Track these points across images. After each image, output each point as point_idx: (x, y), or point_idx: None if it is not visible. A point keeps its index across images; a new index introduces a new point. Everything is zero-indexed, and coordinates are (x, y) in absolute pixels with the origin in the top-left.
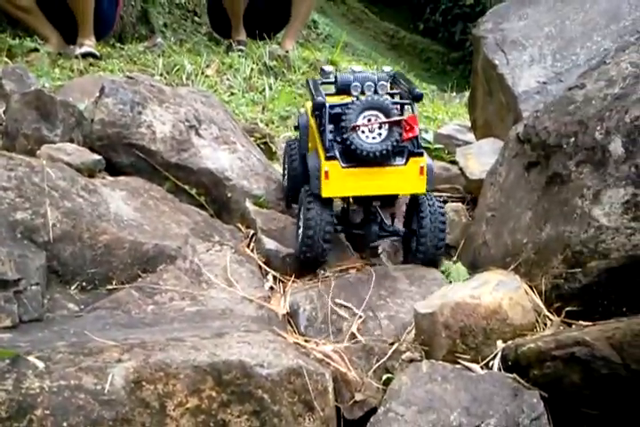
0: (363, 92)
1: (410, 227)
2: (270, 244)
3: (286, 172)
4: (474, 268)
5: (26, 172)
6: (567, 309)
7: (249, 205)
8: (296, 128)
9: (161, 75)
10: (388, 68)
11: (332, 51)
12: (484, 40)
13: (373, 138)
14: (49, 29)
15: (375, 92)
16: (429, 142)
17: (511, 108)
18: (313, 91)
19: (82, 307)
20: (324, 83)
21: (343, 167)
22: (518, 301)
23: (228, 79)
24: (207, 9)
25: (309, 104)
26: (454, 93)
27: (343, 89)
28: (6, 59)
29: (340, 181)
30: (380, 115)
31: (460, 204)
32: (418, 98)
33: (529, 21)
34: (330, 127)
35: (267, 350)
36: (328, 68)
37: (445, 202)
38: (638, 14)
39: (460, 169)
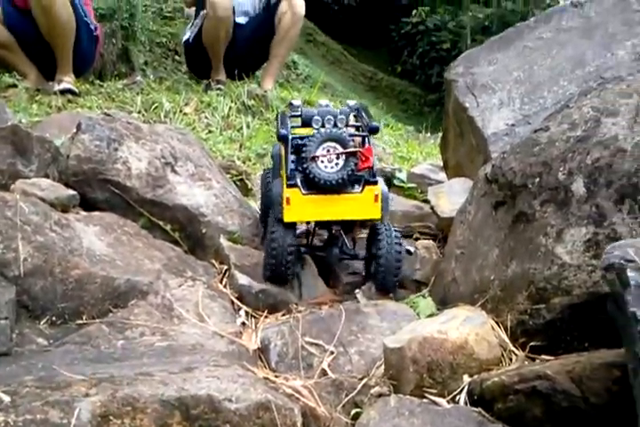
0: (323, 125)
1: (370, 252)
2: (243, 279)
3: (261, 199)
4: (444, 304)
5: None
6: (532, 344)
7: (223, 241)
8: (272, 158)
9: (139, 112)
10: (352, 103)
11: (311, 91)
12: (456, 84)
13: (331, 167)
14: (27, 65)
15: (335, 125)
16: (403, 181)
17: (481, 150)
18: (279, 123)
19: (51, 342)
20: (292, 116)
21: (304, 194)
22: (484, 336)
23: (206, 117)
24: (184, 50)
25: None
26: (429, 134)
27: (307, 122)
28: None
29: (300, 207)
30: (338, 146)
31: (431, 241)
32: (373, 131)
33: (498, 66)
34: (292, 157)
35: (235, 384)
36: (296, 102)
37: (417, 239)
38: (602, 61)
39: (432, 207)
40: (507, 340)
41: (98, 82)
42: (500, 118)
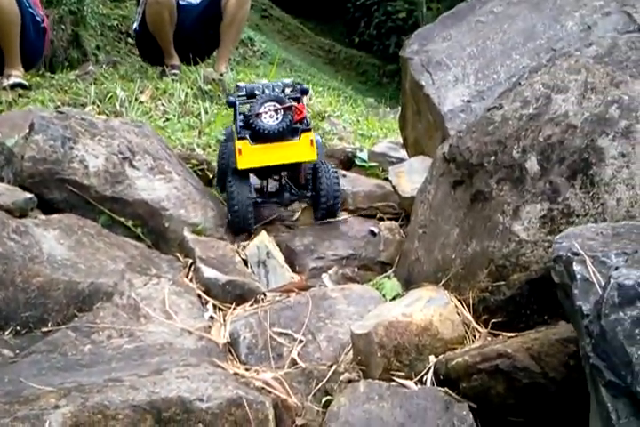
0: (264, 92)
1: (313, 190)
2: (209, 272)
3: (218, 167)
4: (409, 283)
5: None
6: (493, 320)
7: (187, 233)
8: (225, 141)
9: (93, 103)
10: (287, 80)
11: (269, 67)
12: (411, 61)
13: (273, 120)
14: None
15: (273, 90)
16: (364, 161)
17: (438, 127)
18: (227, 98)
19: (17, 352)
20: (239, 96)
21: (251, 144)
22: (448, 316)
23: (162, 105)
24: (135, 39)
25: None
26: (388, 109)
27: (251, 94)
28: None
29: (250, 156)
30: (277, 104)
31: (393, 222)
32: (304, 91)
33: (452, 42)
34: (240, 117)
35: (206, 383)
36: (241, 83)
37: (381, 219)
38: (552, 33)
39: (393, 187)
40: (470, 318)
41: (49, 74)
42: (455, 95)
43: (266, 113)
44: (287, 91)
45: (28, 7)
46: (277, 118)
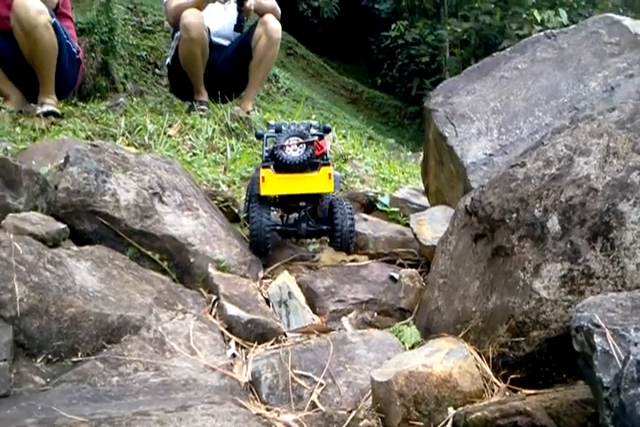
0: (289, 128)
1: (329, 224)
2: (232, 310)
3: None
4: (428, 332)
5: None
6: (512, 376)
7: (211, 270)
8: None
9: (123, 134)
10: (314, 122)
11: (292, 104)
12: (435, 113)
13: (295, 153)
14: (9, 88)
15: (297, 127)
16: (386, 206)
17: (460, 178)
18: (256, 130)
19: (48, 380)
20: (268, 131)
21: (274, 173)
22: (467, 369)
23: (190, 139)
24: (168, 73)
25: None
26: (410, 153)
27: (278, 129)
28: None
29: (272, 183)
30: (300, 139)
31: (414, 269)
32: (327, 130)
33: (476, 96)
34: (266, 148)
35: (230, 422)
36: (271, 122)
37: (402, 265)
38: (575, 92)
39: (414, 234)
40: (489, 371)
41: (81, 104)
42: (478, 148)
43: (289, 146)
44: (312, 130)
45: (66, 39)
46: (300, 151)
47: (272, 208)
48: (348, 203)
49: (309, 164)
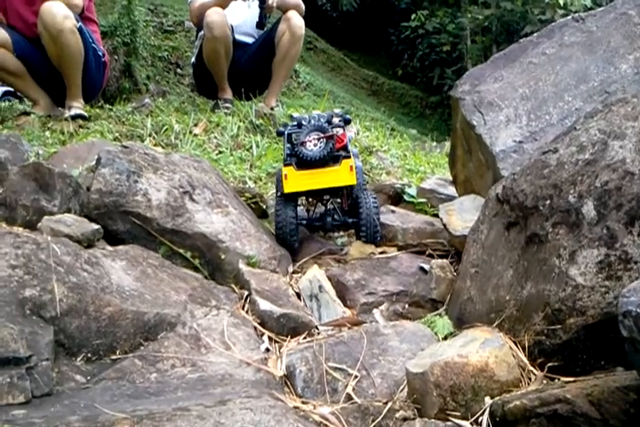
0: (310, 122)
1: (355, 217)
2: (264, 305)
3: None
4: (461, 322)
5: (32, 249)
6: (549, 364)
7: (242, 266)
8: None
9: (150, 135)
10: (337, 111)
11: (313, 98)
12: (462, 102)
13: (316, 148)
14: (38, 92)
15: (318, 120)
16: (413, 197)
17: (490, 166)
18: (277, 128)
19: (88, 378)
20: (291, 126)
21: (296, 170)
22: (503, 358)
23: (215, 137)
24: (192, 72)
25: None
26: (434, 143)
27: (300, 124)
28: None
29: (295, 180)
30: (320, 133)
31: (445, 260)
32: (347, 121)
33: (504, 83)
34: (288, 145)
35: (268, 415)
36: (295, 114)
37: (431, 256)
38: (605, 75)
39: (444, 225)
40: (525, 360)
41: (107, 106)
42: (507, 135)
43: (310, 142)
44: (335, 120)
45: (92, 42)
46: (320, 147)
47: (298, 203)
48: (373, 194)
49: (330, 158)
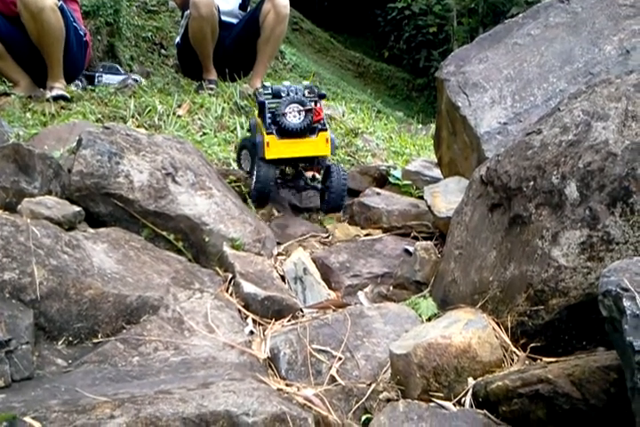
0: (288, 95)
1: (324, 184)
2: (249, 287)
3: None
4: (445, 304)
5: (11, 231)
6: (532, 344)
7: (227, 248)
8: (249, 130)
9: (132, 116)
10: (306, 83)
11: (299, 80)
12: (447, 83)
13: (296, 119)
14: (18, 72)
15: (295, 94)
16: (398, 179)
17: (475, 148)
18: (257, 97)
19: (70, 362)
20: (265, 93)
21: (278, 139)
22: (486, 339)
23: (199, 119)
24: (177, 53)
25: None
26: (420, 125)
27: (276, 95)
28: None
29: (276, 148)
30: (300, 106)
31: (429, 242)
32: (322, 96)
33: (489, 64)
34: (269, 115)
35: (251, 398)
36: (267, 83)
37: (416, 238)
38: (590, 56)
39: (428, 207)
40: (508, 341)
41: (89, 87)
42: (492, 117)
43: (290, 113)
44: (306, 93)
45: (73, 22)
46: (300, 118)
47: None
48: (344, 168)
49: (308, 129)
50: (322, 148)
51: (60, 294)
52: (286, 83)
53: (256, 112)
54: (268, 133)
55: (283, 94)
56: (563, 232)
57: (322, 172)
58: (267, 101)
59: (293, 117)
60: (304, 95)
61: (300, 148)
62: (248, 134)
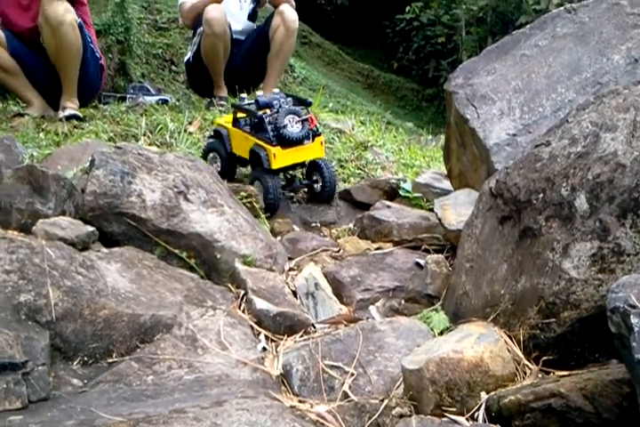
0: (280, 106)
1: (314, 179)
2: (261, 303)
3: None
4: (457, 317)
5: (27, 253)
6: (544, 358)
7: (238, 265)
8: (213, 137)
9: (144, 134)
10: (276, 90)
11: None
12: (455, 95)
13: (297, 129)
14: (32, 94)
15: (286, 104)
16: (408, 192)
17: (484, 160)
18: (245, 110)
19: (85, 382)
20: (248, 104)
21: (282, 149)
22: (498, 353)
23: None
24: (186, 70)
25: (224, 119)
26: (430, 136)
27: (265, 105)
28: None
29: (281, 158)
30: (295, 116)
31: (440, 255)
32: (309, 104)
33: (497, 76)
34: (270, 127)
35: (265, 416)
36: (244, 95)
37: (427, 251)
38: (598, 66)
39: (439, 219)
40: (520, 354)
41: (101, 106)
42: (501, 129)
43: (290, 124)
44: (292, 101)
45: (90, 42)
46: (299, 128)
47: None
48: (332, 163)
49: (306, 136)
50: (318, 151)
51: (75, 315)
52: (275, 90)
53: (224, 121)
54: (273, 145)
55: (276, 105)
56: (573, 244)
57: (304, 169)
58: (265, 116)
59: (292, 127)
60: (294, 104)
61: (301, 154)
62: (210, 140)
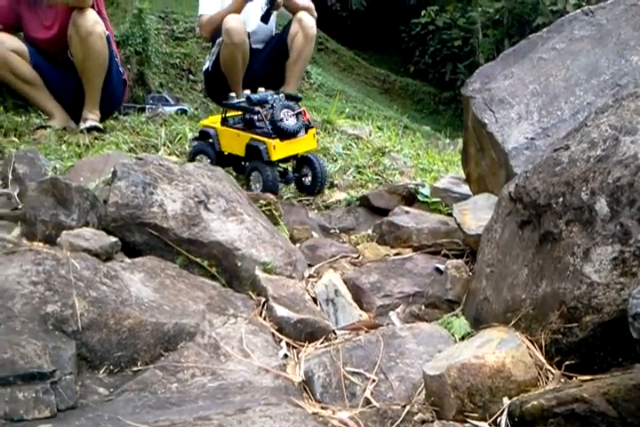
0: (274, 102)
1: (300, 173)
2: (281, 311)
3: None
4: (478, 322)
5: (53, 265)
6: (567, 362)
7: (259, 272)
8: (198, 138)
9: (164, 144)
10: (261, 90)
11: (324, 99)
12: (473, 100)
13: (292, 122)
14: (54, 106)
15: (279, 100)
16: (427, 197)
17: (503, 165)
18: (244, 107)
19: (111, 390)
20: (238, 102)
21: (280, 142)
22: (520, 358)
23: None
24: (204, 79)
25: (209, 120)
26: (448, 140)
27: (259, 102)
28: (14, 138)
29: (280, 150)
30: (290, 110)
31: (460, 260)
32: (299, 99)
33: (514, 80)
34: (268, 122)
35: (288, 422)
36: (232, 94)
37: (446, 256)
38: (616, 68)
39: (458, 224)
40: (542, 359)
41: (121, 117)
42: (519, 133)
43: (285, 117)
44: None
45: (115, 56)
46: (294, 121)
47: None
48: (322, 158)
49: (301, 129)
50: (312, 143)
51: (101, 325)
52: (261, 89)
53: (210, 121)
54: (272, 138)
55: (270, 101)
56: (594, 248)
57: (294, 162)
58: (262, 111)
59: (288, 120)
60: (286, 100)
61: (297, 145)
62: (195, 142)
